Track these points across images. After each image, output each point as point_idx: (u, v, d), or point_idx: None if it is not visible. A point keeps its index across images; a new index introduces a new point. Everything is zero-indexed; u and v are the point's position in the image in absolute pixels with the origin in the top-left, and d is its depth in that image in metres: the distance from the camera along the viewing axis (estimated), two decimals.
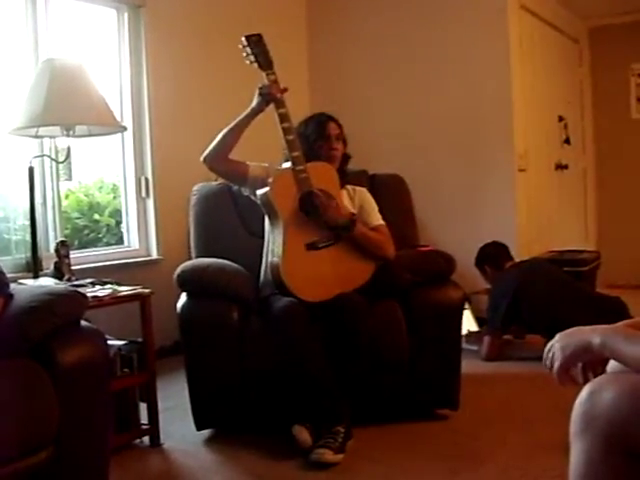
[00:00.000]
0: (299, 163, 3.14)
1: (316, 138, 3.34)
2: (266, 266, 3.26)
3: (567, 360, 1.50)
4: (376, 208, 3.44)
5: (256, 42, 3.17)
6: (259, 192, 3.23)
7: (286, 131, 3.14)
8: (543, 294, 4.23)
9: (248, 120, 3.19)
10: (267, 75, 3.15)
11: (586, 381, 1.49)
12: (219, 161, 3.24)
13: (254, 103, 3.16)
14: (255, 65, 3.16)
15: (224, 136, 3.21)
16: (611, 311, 4.00)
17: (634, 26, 6.59)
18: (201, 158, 3.24)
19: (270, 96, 3.12)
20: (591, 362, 1.53)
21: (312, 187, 3.15)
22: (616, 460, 1.36)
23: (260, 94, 3.14)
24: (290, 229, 3.13)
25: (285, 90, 3.17)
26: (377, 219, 3.39)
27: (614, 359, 1.48)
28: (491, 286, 4.61)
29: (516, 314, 4.27)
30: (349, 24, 5.75)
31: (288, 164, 3.18)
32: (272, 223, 3.24)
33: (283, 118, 3.13)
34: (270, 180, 3.16)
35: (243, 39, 3.17)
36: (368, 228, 3.32)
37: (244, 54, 3.18)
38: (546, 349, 1.56)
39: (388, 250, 3.28)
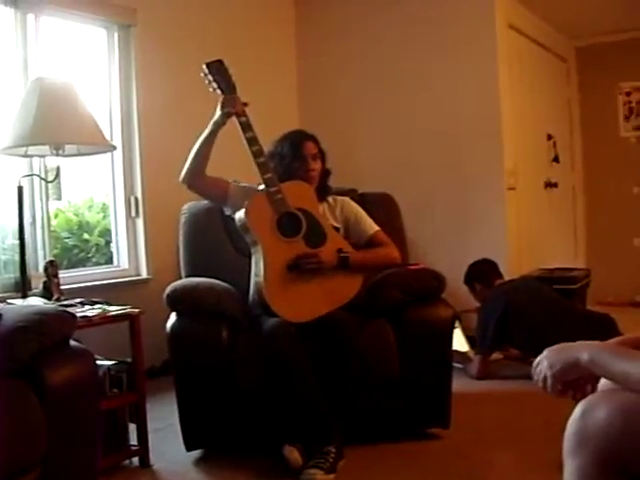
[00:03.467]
0: (272, 185, 3.13)
1: (292, 160, 3.31)
2: (254, 286, 3.25)
3: (556, 378, 1.50)
4: (365, 215, 3.44)
5: (217, 68, 3.16)
6: (236, 217, 3.23)
7: (255, 154, 3.12)
8: (532, 312, 4.22)
9: (213, 135, 3.19)
10: None
11: (580, 398, 1.49)
12: (196, 178, 3.24)
13: (216, 117, 3.16)
14: (218, 92, 3.16)
15: (195, 154, 3.21)
16: (600, 328, 4.00)
17: (621, 45, 6.65)
18: (180, 179, 3.25)
19: (233, 109, 3.13)
20: (583, 379, 1.53)
21: (289, 208, 3.14)
22: (609, 478, 1.36)
23: (222, 106, 3.14)
24: (270, 252, 3.12)
25: (245, 104, 3.16)
26: (371, 226, 3.40)
27: (602, 376, 1.48)
28: (480, 304, 4.61)
29: (505, 333, 4.26)
30: (338, 43, 5.77)
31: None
32: (252, 246, 3.23)
33: (251, 142, 3.11)
34: (245, 205, 3.15)
35: (204, 67, 3.16)
36: (365, 238, 3.35)
37: (206, 82, 3.17)
38: (534, 364, 1.57)
39: (392, 257, 3.33)
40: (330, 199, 3.46)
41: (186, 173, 3.24)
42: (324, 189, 3.41)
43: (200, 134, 3.21)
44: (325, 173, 3.43)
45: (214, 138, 3.19)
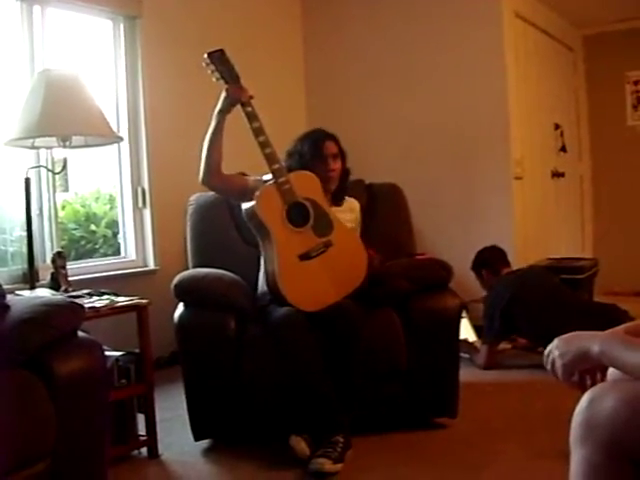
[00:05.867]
0: (280, 175, 3.12)
1: (311, 158, 3.31)
2: (264, 275, 3.25)
3: (567, 368, 1.51)
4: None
5: (219, 58, 3.12)
6: (243, 207, 3.22)
7: (262, 145, 3.10)
8: (537, 303, 4.21)
9: (220, 126, 3.13)
10: None
11: (589, 387, 1.49)
12: (214, 177, 3.18)
13: (220, 105, 3.13)
14: (221, 82, 3.12)
15: (207, 151, 3.15)
16: (607, 319, 3.98)
17: (628, 34, 6.61)
18: (199, 181, 3.20)
19: (241, 98, 3.10)
20: (592, 369, 1.53)
21: (297, 198, 3.14)
22: (617, 468, 1.36)
23: (228, 95, 3.10)
24: (281, 242, 3.11)
25: (251, 97, 3.14)
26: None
27: (613, 367, 1.48)
28: (486, 292, 4.60)
29: (511, 323, 4.26)
30: (344, 36, 5.76)
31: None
32: (261, 237, 3.22)
33: (257, 132, 3.09)
34: (255, 196, 3.13)
35: (205, 56, 3.11)
36: None
37: (209, 72, 3.12)
38: (545, 352, 1.57)
39: None
40: (347, 200, 3.48)
41: (204, 173, 3.18)
42: (342, 191, 3.43)
43: (207, 128, 3.18)
44: (345, 172, 3.43)
45: (222, 129, 3.15)
